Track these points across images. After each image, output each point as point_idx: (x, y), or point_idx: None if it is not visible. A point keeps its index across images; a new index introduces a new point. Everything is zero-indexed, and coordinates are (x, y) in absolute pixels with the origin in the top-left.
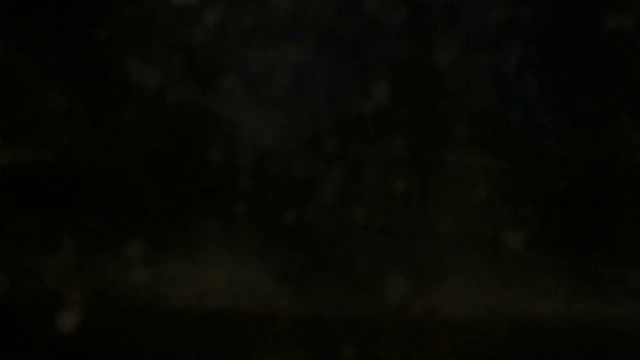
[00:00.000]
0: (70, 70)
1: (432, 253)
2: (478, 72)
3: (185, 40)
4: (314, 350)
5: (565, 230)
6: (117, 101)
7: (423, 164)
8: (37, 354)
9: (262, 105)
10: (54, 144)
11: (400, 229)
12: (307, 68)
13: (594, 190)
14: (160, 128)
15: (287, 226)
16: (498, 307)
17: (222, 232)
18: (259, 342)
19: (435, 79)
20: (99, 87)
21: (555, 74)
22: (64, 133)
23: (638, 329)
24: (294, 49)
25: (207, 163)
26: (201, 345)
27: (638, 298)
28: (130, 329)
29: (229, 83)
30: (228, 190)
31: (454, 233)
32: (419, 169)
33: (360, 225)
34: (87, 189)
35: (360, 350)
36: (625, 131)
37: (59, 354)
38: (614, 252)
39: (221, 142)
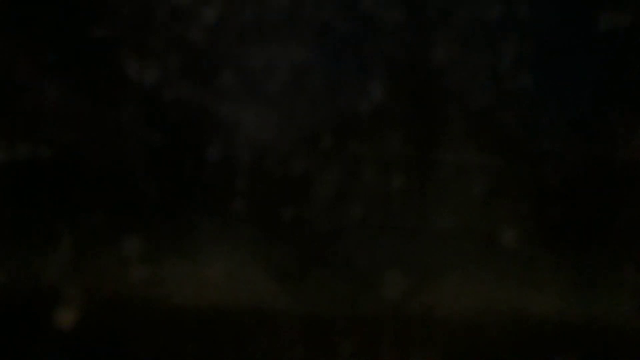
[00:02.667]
0: (68, 66)
1: (430, 250)
2: (476, 70)
3: (184, 37)
4: (312, 348)
5: (563, 228)
6: (116, 98)
7: (421, 161)
8: (35, 351)
9: (259, 103)
10: (52, 140)
11: (398, 226)
12: (305, 65)
13: (592, 187)
14: (159, 125)
15: (286, 223)
16: (496, 304)
17: (220, 229)
18: (257, 339)
19: (433, 76)
20: (97, 83)
21: (554, 71)
22: (62, 129)
23: (635, 326)
24: (291, 46)
25: (206, 160)
26: (199, 342)
27: (635, 295)
28: (128, 327)
29: (227, 80)
30: (226, 187)
31: (452, 230)
32: (417, 166)
33: (358, 223)
34: (85, 186)
35: (358, 348)
36: (624, 129)
37: (57, 351)
38: (611, 249)
39: (219, 140)
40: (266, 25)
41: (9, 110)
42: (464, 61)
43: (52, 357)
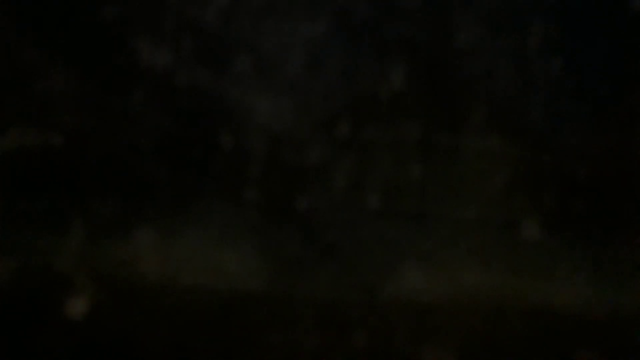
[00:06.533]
0: (79, 52)
1: (447, 239)
2: (497, 55)
3: (196, 20)
4: (325, 335)
5: (584, 218)
6: (127, 84)
7: (439, 148)
8: (46, 336)
9: (274, 89)
10: (63, 126)
11: (415, 214)
12: (321, 50)
13: (615, 178)
14: (171, 111)
15: (299, 211)
16: (515, 295)
17: (233, 216)
18: (269, 324)
19: (453, 61)
20: (108, 69)
21: (579, 58)
22: (72, 116)
23: None
24: (307, 30)
25: (218, 147)
26: (211, 327)
27: None
28: (139, 312)
29: (240, 66)
30: (239, 174)
31: (470, 219)
32: (435, 153)
33: (374, 211)
34: (96, 171)
35: (372, 336)
36: None
37: (67, 336)
38: (633, 240)
39: (232, 126)
40: (282, 8)
41: (20, 97)
42: (486, 46)
43: (64, 343)
